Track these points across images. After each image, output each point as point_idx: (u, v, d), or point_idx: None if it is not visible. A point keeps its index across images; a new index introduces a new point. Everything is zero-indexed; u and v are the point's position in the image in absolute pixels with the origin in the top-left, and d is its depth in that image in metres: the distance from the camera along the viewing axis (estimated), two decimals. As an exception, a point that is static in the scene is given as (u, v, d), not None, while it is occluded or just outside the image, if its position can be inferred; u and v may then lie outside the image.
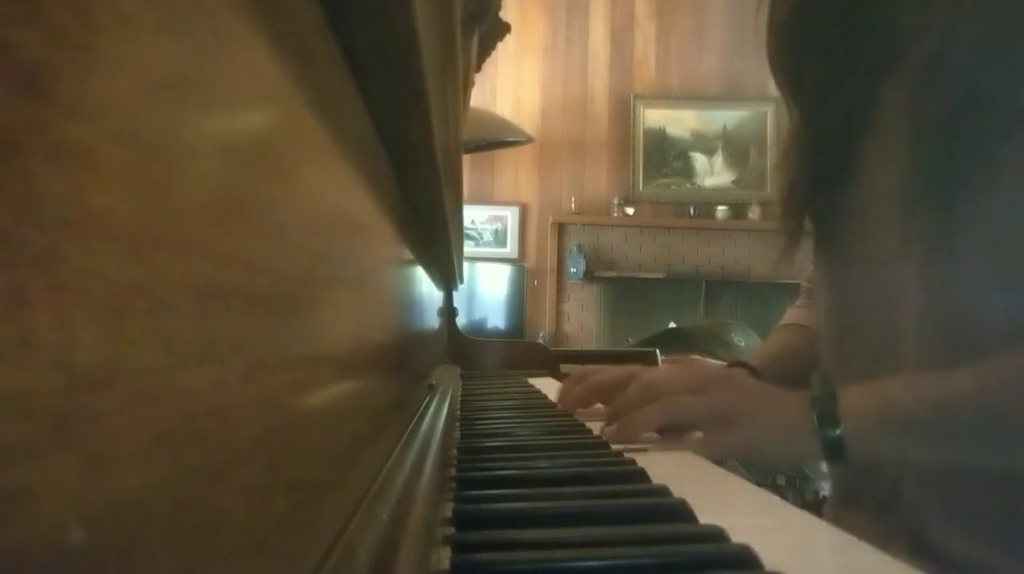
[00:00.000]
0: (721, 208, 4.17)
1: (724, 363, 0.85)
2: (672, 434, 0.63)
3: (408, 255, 0.60)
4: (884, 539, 0.36)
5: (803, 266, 0.77)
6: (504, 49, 3.27)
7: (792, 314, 0.87)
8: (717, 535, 0.35)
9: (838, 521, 0.41)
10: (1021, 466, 0.56)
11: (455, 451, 0.56)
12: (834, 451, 0.56)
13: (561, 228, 4.27)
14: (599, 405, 0.76)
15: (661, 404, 0.61)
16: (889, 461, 0.62)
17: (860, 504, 0.67)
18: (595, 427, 0.68)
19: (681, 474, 0.50)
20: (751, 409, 0.60)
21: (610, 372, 0.77)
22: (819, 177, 0.69)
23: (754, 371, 0.78)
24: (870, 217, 0.65)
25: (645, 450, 0.59)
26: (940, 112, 0.57)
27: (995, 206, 0.55)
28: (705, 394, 0.61)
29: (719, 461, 0.59)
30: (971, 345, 0.57)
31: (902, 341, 0.61)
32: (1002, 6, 0.55)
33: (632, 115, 4.28)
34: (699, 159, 4.27)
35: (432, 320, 0.96)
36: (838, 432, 0.56)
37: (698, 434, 0.62)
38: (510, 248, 4.29)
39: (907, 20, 0.62)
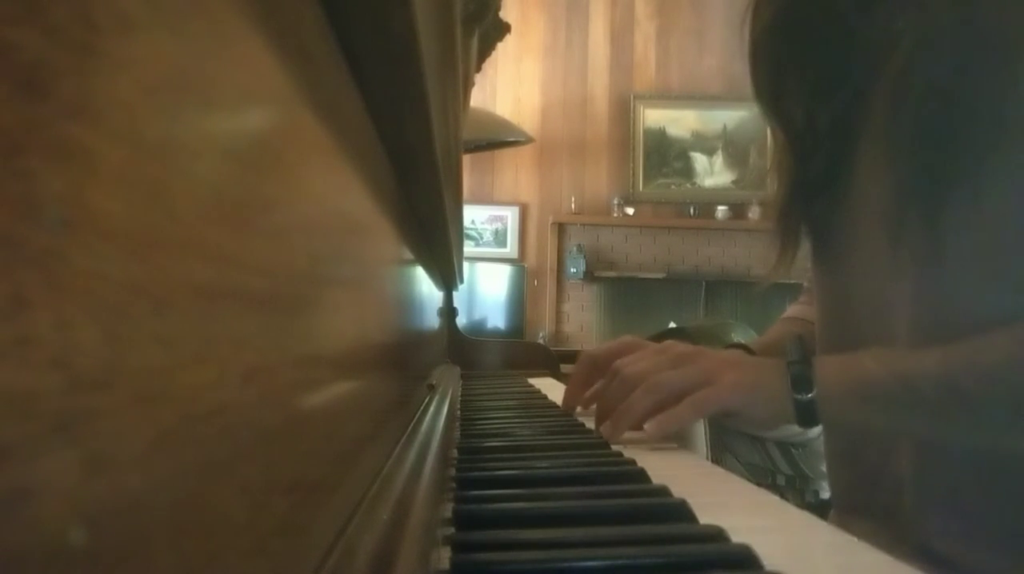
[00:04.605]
0: (721, 208, 4.17)
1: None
2: (666, 415, 0.63)
3: (408, 255, 0.60)
4: (889, 547, 0.36)
5: (804, 266, 0.78)
6: (504, 49, 3.27)
7: (794, 309, 0.88)
8: (717, 535, 0.35)
9: (843, 529, 0.41)
10: (978, 443, 0.58)
11: (455, 451, 0.56)
12: (806, 414, 0.59)
13: (561, 228, 4.26)
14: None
15: (643, 388, 0.62)
16: (857, 427, 0.65)
17: (863, 513, 0.67)
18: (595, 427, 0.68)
19: (681, 474, 0.50)
20: (729, 369, 0.62)
21: (603, 347, 0.78)
22: (812, 186, 0.69)
23: (750, 353, 0.79)
24: (862, 225, 0.65)
25: (643, 431, 0.60)
26: (917, 122, 0.57)
27: (982, 215, 0.55)
28: (682, 367, 0.63)
29: (719, 454, 0.60)
30: None
31: (896, 347, 0.62)
32: (968, 20, 0.55)
33: (632, 115, 4.28)
34: (699, 159, 4.27)
35: (432, 320, 0.96)
36: (810, 396, 0.59)
37: (699, 437, 0.63)
38: (510, 248, 4.29)
39: (884, 29, 0.62)
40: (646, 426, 0.61)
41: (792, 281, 0.90)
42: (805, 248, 0.73)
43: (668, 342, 0.69)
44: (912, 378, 0.57)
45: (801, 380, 0.59)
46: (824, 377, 0.59)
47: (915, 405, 0.57)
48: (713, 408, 0.61)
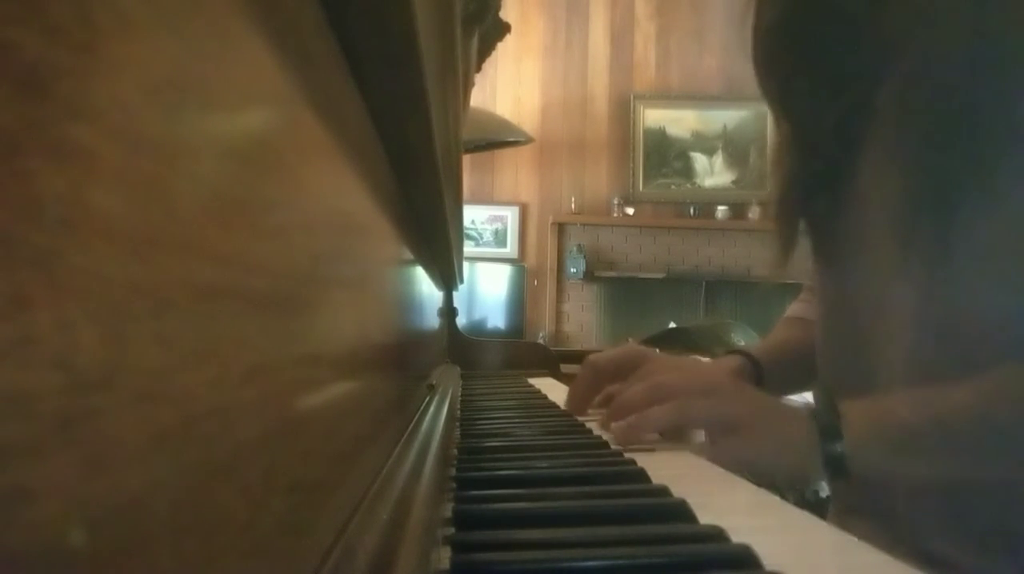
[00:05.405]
0: (721, 208, 4.17)
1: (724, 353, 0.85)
2: (674, 435, 0.63)
3: (408, 255, 0.60)
4: (887, 548, 0.36)
5: (805, 266, 0.77)
6: (504, 49, 3.27)
7: (795, 308, 0.87)
8: (717, 535, 0.35)
9: (843, 529, 0.41)
10: (1020, 478, 0.56)
11: (455, 451, 0.56)
12: (836, 466, 0.56)
13: (561, 228, 4.26)
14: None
15: (672, 406, 0.60)
16: (892, 475, 0.61)
17: (862, 514, 0.67)
18: (595, 427, 0.68)
19: (681, 474, 0.50)
20: (757, 420, 0.59)
21: (607, 353, 0.77)
22: (815, 184, 0.69)
23: (754, 360, 0.78)
24: (867, 225, 0.64)
25: (652, 450, 0.59)
26: (928, 128, 0.56)
27: (993, 219, 0.55)
28: (713, 399, 0.61)
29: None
30: (968, 357, 0.56)
31: (899, 352, 0.61)
32: (977, 25, 0.55)
33: (632, 115, 4.28)
34: (699, 159, 4.27)
35: (432, 320, 0.96)
36: (840, 448, 0.55)
37: (700, 437, 0.62)
38: (510, 248, 4.29)
39: (892, 30, 0.61)
40: (657, 447, 0.60)
41: (792, 281, 0.89)
42: (806, 247, 0.73)
43: (705, 362, 0.67)
44: (945, 417, 0.54)
45: (829, 431, 0.56)
46: (853, 426, 0.56)
47: (951, 445, 0.55)
48: (732, 460, 0.60)
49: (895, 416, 0.56)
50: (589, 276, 4.18)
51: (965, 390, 0.54)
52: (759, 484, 0.50)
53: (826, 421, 0.57)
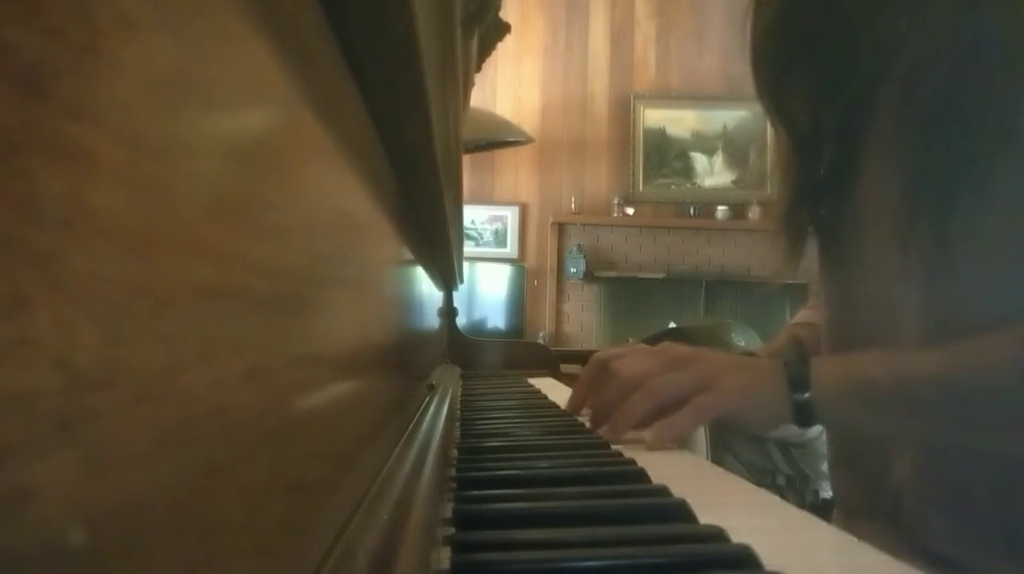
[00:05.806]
0: (721, 208, 4.17)
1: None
2: (666, 422, 0.63)
3: (408, 255, 0.60)
4: (892, 549, 0.36)
5: (810, 267, 0.77)
6: (504, 49, 3.27)
7: (803, 314, 0.88)
8: (717, 535, 0.35)
9: (847, 531, 0.41)
10: (976, 446, 0.58)
11: (455, 451, 0.56)
12: (804, 414, 0.59)
13: (561, 228, 4.26)
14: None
15: (642, 392, 0.62)
16: (855, 428, 0.65)
17: (866, 515, 0.67)
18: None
19: (681, 474, 0.50)
20: (728, 373, 0.62)
21: (613, 350, 0.77)
22: (818, 187, 0.69)
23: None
24: (870, 227, 0.65)
25: (641, 440, 0.60)
26: (925, 128, 0.57)
27: (991, 219, 0.55)
28: (683, 369, 0.63)
29: (719, 454, 0.60)
30: None
31: (901, 349, 0.61)
32: (973, 24, 0.55)
33: (632, 115, 4.27)
34: (699, 159, 4.27)
35: (432, 320, 0.96)
36: (807, 396, 0.59)
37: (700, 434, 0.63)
38: (510, 248, 4.28)
39: (890, 30, 0.62)
40: (646, 435, 0.60)
41: (793, 282, 0.89)
42: (812, 249, 0.73)
43: (665, 343, 0.68)
44: (910, 380, 0.56)
45: (798, 380, 0.59)
46: (821, 377, 0.59)
47: (912, 407, 0.57)
48: (714, 414, 0.61)
49: (862, 372, 0.59)
50: (589, 276, 4.18)
51: (933, 356, 0.56)
52: (759, 484, 0.50)
53: (795, 371, 0.60)
